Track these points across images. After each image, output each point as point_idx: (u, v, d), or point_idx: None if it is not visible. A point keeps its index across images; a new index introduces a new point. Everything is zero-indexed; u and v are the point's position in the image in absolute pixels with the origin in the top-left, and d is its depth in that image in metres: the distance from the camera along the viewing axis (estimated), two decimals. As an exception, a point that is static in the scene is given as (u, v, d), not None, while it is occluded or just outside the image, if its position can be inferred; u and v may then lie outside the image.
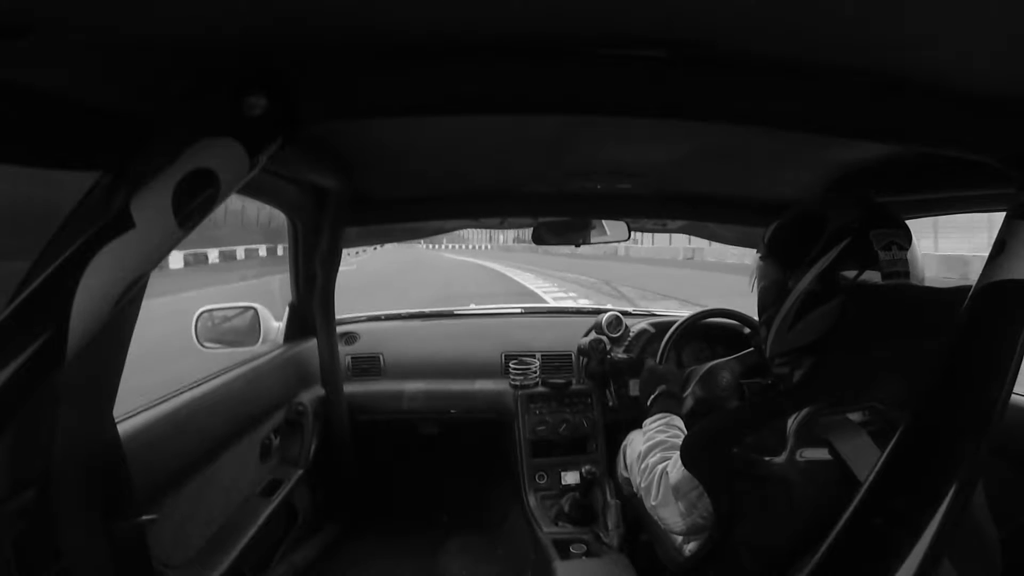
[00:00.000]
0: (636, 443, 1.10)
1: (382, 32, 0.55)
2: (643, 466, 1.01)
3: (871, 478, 0.53)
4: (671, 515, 0.90)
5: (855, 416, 0.75)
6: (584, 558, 1.40)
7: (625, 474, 1.14)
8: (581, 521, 1.54)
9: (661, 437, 1.05)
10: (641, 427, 1.15)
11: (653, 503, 0.93)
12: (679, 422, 1.10)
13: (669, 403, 1.16)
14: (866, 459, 0.69)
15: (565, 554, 1.40)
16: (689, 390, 1.48)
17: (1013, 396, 0.59)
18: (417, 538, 1.88)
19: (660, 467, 0.95)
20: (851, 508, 0.51)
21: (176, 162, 0.51)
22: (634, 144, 1.09)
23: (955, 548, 0.59)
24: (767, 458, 0.75)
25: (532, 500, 1.66)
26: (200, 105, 0.57)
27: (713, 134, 0.99)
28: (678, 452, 0.92)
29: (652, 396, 1.18)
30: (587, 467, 1.55)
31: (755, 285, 0.92)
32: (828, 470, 0.72)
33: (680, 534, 0.92)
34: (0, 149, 0.51)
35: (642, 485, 0.99)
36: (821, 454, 0.73)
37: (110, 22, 0.47)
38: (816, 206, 0.86)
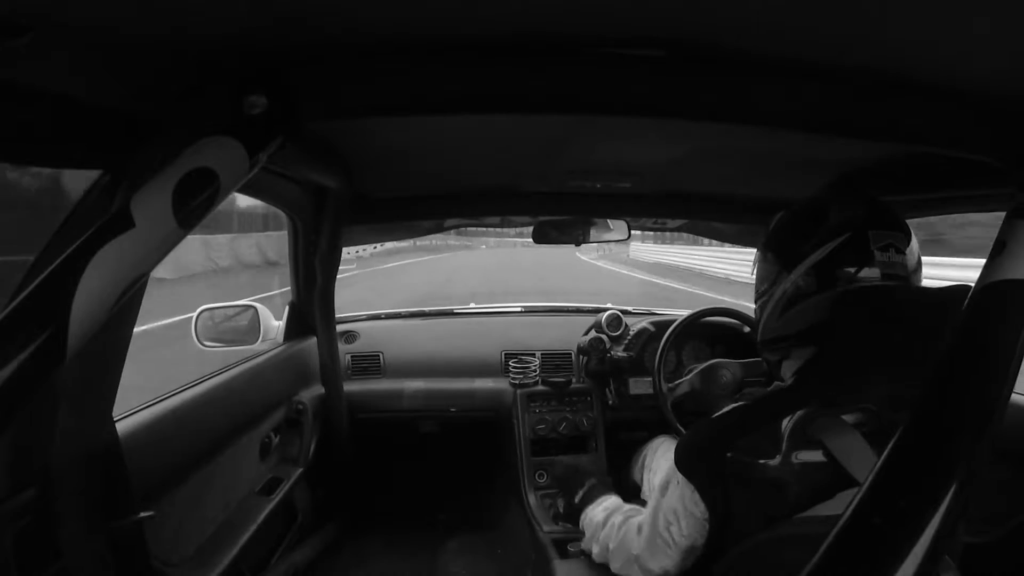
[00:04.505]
0: (593, 515, 1.15)
1: (382, 32, 0.55)
2: (608, 526, 1.04)
3: (870, 478, 0.53)
4: (659, 561, 0.86)
5: (849, 417, 0.75)
6: (583, 557, 1.40)
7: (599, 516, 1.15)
8: (572, 519, 1.54)
9: (618, 510, 1.10)
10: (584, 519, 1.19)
11: (635, 552, 0.90)
12: (619, 501, 1.17)
13: (603, 490, 1.22)
14: (860, 460, 0.69)
15: (564, 553, 1.41)
16: (687, 377, 1.48)
17: (1013, 396, 0.59)
18: (417, 537, 1.88)
19: (634, 520, 0.96)
20: (850, 508, 0.51)
21: (176, 161, 0.51)
22: (634, 143, 1.09)
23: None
24: (761, 461, 0.74)
25: (532, 499, 1.66)
26: (200, 104, 0.57)
27: (713, 134, 0.99)
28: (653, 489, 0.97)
29: (583, 491, 1.23)
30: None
31: (755, 271, 0.93)
32: (823, 472, 0.72)
33: (677, 569, 0.87)
34: (0, 149, 0.51)
35: (611, 547, 1.00)
36: (815, 456, 0.73)
37: (110, 22, 0.47)
38: (821, 199, 0.86)
